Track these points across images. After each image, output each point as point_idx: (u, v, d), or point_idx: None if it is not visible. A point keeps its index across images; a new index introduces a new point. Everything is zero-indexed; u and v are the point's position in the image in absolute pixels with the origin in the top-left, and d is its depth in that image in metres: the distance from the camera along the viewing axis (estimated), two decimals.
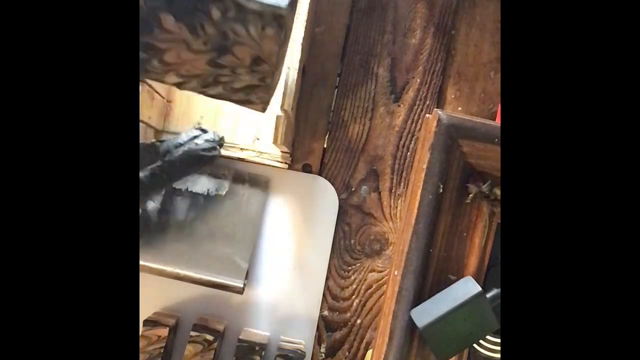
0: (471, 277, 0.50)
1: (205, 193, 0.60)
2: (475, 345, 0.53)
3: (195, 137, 0.51)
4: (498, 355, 0.53)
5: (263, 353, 0.57)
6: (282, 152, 0.59)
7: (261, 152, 0.59)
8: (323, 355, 0.61)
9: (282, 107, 0.51)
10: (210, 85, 0.43)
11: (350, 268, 0.62)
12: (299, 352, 0.57)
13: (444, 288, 0.50)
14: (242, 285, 0.58)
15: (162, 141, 0.51)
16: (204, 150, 0.49)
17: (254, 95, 0.43)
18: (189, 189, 0.60)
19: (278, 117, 0.52)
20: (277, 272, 0.61)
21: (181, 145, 0.50)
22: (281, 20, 0.38)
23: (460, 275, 0.51)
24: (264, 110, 0.45)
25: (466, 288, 0.49)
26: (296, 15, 0.53)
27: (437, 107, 0.62)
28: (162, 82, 0.42)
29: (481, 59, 0.62)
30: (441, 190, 0.50)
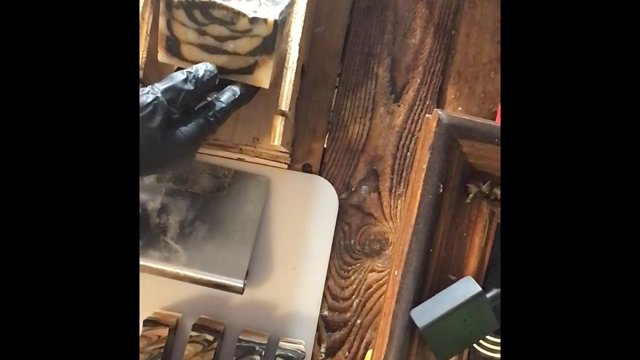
0: (471, 277, 0.50)
1: (205, 193, 0.60)
2: (475, 345, 0.53)
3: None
4: (498, 355, 0.53)
5: (263, 353, 0.57)
6: (281, 152, 0.59)
7: (261, 152, 0.59)
8: (323, 355, 0.61)
9: (281, 106, 0.51)
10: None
11: (350, 268, 0.62)
12: (299, 352, 0.57)
13: (444, 288, 0.50)
14: (242, 285, 0.58)
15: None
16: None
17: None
18: (189, 189, 0.60)
19: (277, 117, 0.52)
20: (277, 272, 0.61)
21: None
22: None
23: (460, 275, 0.51)
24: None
25: (466, 288, 0.49)
26: (295, 15, 0.53)
27: (437, 107, 0.62)
28: None
29: (481, 59, 0.62)
30: (441, 190, 0.50)
